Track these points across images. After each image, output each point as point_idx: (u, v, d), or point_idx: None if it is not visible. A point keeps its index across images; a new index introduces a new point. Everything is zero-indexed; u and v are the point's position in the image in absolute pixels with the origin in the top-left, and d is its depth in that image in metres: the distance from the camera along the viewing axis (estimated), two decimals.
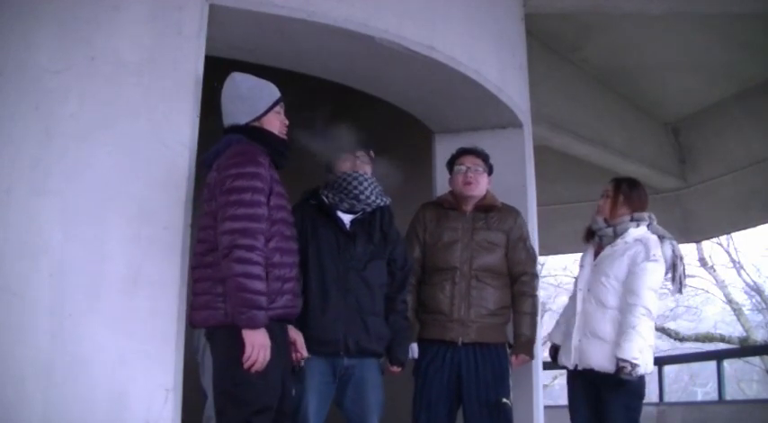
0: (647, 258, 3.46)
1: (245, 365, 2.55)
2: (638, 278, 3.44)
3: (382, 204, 3.35)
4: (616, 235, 3.57)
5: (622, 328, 3.39)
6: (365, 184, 3.28)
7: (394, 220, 3.45)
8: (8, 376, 2.60)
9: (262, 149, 2.75)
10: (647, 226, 3.60)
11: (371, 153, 3.43)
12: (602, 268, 3.55)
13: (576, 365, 3.53)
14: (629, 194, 3.65)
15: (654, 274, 3.46)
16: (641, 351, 3.33)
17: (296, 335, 2.94)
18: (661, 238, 3.57)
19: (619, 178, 3.77)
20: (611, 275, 3.50)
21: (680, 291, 3.58)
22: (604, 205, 3.67)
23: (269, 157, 2.77)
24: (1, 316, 2.62)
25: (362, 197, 3.27)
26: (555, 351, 3.76)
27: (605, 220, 3.62)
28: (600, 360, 3.43)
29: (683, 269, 3.58)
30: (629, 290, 3.45)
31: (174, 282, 2.85)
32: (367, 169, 3.37)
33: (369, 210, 3.32)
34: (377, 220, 3.35)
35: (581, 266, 3.67)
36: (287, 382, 2.77)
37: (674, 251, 3.54)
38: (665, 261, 3.51)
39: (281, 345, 2.67)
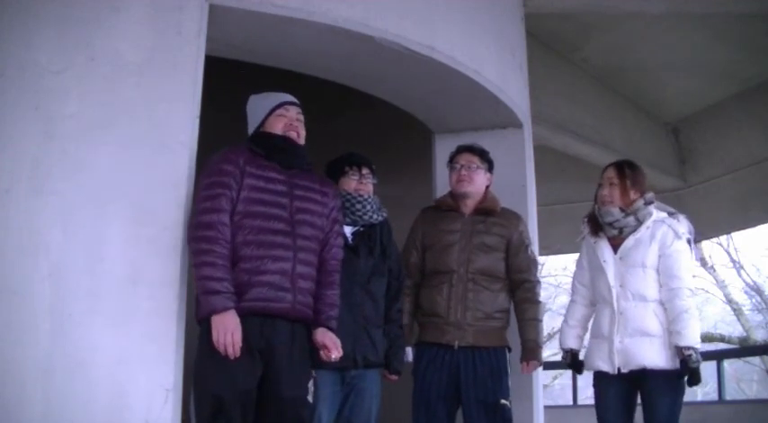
0: (677, 237, 3.32)
1: (221, 351, 2.62)
2: (674, 260, 3.30)
3: (380, 219, 3.39)
4: (639, 223, 3.37)
5: (674, 315, 3.24)
6: (368, 206, 3.33)
7: (392, 233, 3.48)
8: (8, 376, 2.59)
9: (246, 148, 2.88)
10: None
11: (374, 168, 3.43)
12: (632, 260, 3.35)
13: (619, 369, 3.31)
14: (633, 177, 3.44)
15: (687, 253, 3.33)
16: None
17: (323, 337, 2.91)
18: (671, 214, 3.43)
19: (617, 162, 3.54)
20: (647, 265, 3.32)
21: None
22: (612, 193, 3.42)
23: (262, 156, 2.87)
24: (1, 316, 2.61)
25: (366, 217, 3.33)
26: (573, 356, 3.54)
27: (621, 210, 3.40)
28: (653, 358, 3.25)
29: (694, 241, 3.46)
30: (668, 274, 3.29)
31: (174, 282, 2.84)
32: (370, 188, 3.39)
33: (369, 224, 3.36)
34: (377, 232, 3.38)
35: (603, 261, 3.39)
36: (284, 383, 2.75)
37: (688, 225, 3.41)
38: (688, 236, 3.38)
39: (255, 340, 2.69)
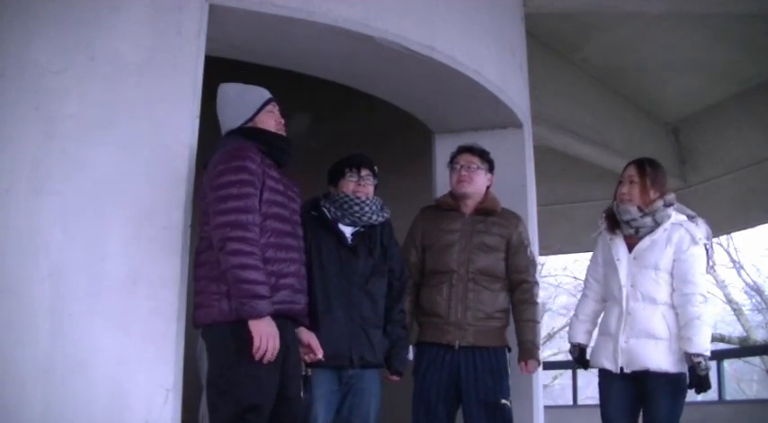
0: (693, 242, 3.28)
1: (257, 356, 2.55)
2: (689, 265, 3.26)
3: (382, 220, 3.37)
4: (657, 224, 3.33)
5: (686, 321, 3.20)
6: (366, 208, 3.31)
7: (393, 233, 3.47)
8: (8, 376, 2.59)
9: (254, 146, 2.78)
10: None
11: (375, 169, 3.41)
12: (647, 261, 3.31)
13: (622, 368, 3.30)
14: (654, 176, 3.38)
15: (702, 258, 3.29)
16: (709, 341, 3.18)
17: (309, 337, 2.93)
18: (690, 217, 3.39)
19: (639, 160, 3.46)
20: (660, 268, 3.29)
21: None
22: (631, 192, 3.36)
23: (264, 154, 2.80)
24: (1, 316, 2.62)
25: (364, 218, 3.32)
26: (581, 351, 3.53)
27: (639, 209, 3.35)
28: (657, 360, 3.23)
29: (712, 246, 3.43)
30: (682, 279, 3.26)
31: (173, 282, 2.84)
32: (369, 190, 3.36)
33: (369, 224, 3.34)
34: (377, 233, 3.37)
35: (617, 259, 3.36)
36: (291, 383, 2.75)
37: (707, 229, 3.37)
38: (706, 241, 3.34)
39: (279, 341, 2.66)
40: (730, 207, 7.66)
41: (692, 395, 3.40)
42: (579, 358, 3.56)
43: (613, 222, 3.44)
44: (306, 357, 2.93)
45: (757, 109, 7.00)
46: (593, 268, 3.60)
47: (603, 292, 3.52)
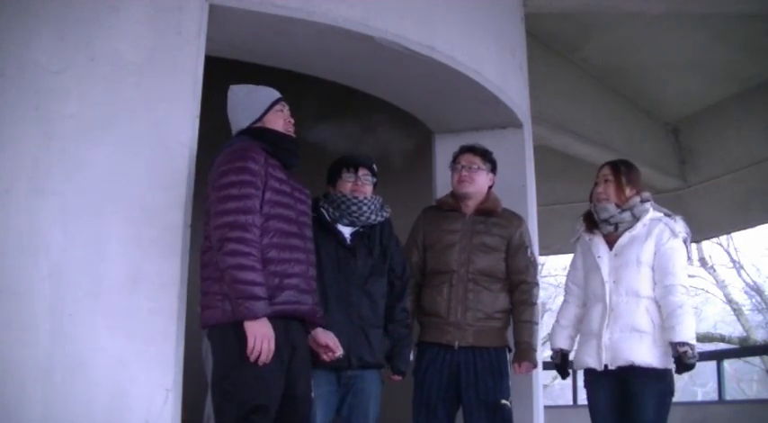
0: (673, 235, 3.34)
1: (251, 358, 2.55)
2: (669, 258, 3.31)
3: (381, 219, 3.37)
4: (635, 219, 3.39)
5: (669, 311, 3.23)
6: (364, 208, 3.31)
7: (393, 232, 3.46)
8: (8, 376, 2.59)
9: (260, 146, 2.78)
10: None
11: (374, 167, 3.41)
12: (628, 257, 3.35)
13: (606, 366, 3.30)
14: (628, 174, 3.47)
15: (683, 251, 3.35)
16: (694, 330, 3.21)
17: (326, 337, 2.93)
18: (667, 215, 3.45)
19: (612, 161, 3.58)
20: (642, 262, 3.32)
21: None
22: (607, 190, 3.45)
23: (270, 154, 2.79)
24: (1, 316, 2.62)
25: (363, 218, 3.31)
26: (563, 357, 3.56)
27: (617, 206, 3.42)
28: (641, 354, 3.24)
29: (689, 242, 3.48)
30: (663, 272, 3.30)
31: (173, 282, 2.85)
32: (368, 189, 3.36)
33: (368, 224, 3.34)
34: (377, 232, 3.37)
35: (598, 257, 3.40)
36: (298, 384, 2.74)
37: (685, 226, 3.43)
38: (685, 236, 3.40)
39: (282, 344, 2.66)
40: (730, 207, 7.66)
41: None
42: (561, 365, 3.57)
43: (591, 223, 3.50)
44: (325, 357, 2.93)
45: (757, 109, 7.00)
46: (572, 273, 3.63)
47: (584, 297, 3.54)
